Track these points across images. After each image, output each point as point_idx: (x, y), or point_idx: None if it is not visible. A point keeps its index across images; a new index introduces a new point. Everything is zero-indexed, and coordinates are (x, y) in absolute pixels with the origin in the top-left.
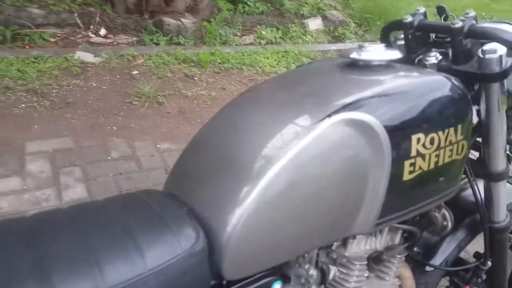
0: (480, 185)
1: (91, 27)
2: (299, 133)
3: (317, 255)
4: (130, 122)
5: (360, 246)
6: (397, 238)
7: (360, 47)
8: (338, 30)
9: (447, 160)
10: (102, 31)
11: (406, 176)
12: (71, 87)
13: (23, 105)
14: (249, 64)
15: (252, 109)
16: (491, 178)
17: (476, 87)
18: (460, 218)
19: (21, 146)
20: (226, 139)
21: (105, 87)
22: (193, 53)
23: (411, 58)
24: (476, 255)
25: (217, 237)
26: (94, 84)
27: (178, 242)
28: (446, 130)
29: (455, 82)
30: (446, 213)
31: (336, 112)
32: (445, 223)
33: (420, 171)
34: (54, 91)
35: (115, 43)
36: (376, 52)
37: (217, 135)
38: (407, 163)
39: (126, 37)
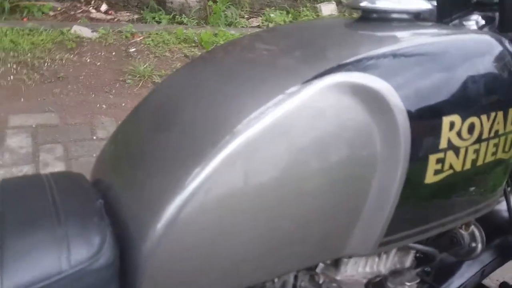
0: None
1: (92, 2)
2: (269, 102)
3: (295, 277)
4: (121, 101)
5: (358, 268)
6: (408, 260)
7: None
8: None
9: (489, 158)
10: (103, 7)
11: (430, 178)
12: (63, 61)
13: (11, 77)
14: None
15: (212, 71)
16: None
17: None
18: (489, 237)
19: (3, 119)
20: (166, 113)
21: (99, 63)
22: (195, 33)
23: (444, 24)
24: (504, 285)
25: (134, 248)
26: (88, 60)
27: (67, 253)
28: (493, 114)
29: (509, 46)
30: (476, 232)
31: (331, 71)
32: (473, 244)
33: (451, 171)
34: (45, 64)
35: (116, 19)
36: (395, 1)
37: (158, 108)
38: (433, 158)
39: (128, 14)
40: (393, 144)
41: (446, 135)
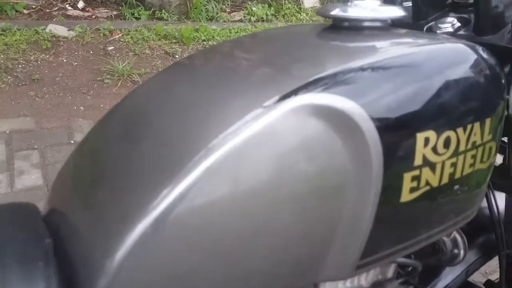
0: (500, 199)
1: None
2: (234, 125)
3: None
4: (100, 102)
5: (337, 285)
6: (390, 272)
7: (346, 2)
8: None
9: (467, 171)
10: (80, 4)
11: (406, 196)
12: (39, 62)
13: None
14: None
15: (189, 79)
16: None
17: (506, 68)
18: (471, 236)
19: None
20: (136, 126)
21: (76, 63)
22: (176, 29)
23: (419, 26)
24: (488, 283)
25: None
26: (65, 60)
27: None
28: (469, 126)
29: (484, 54)
30: (459, 238)
31: (296, 92)
32: (456, 251)
33: (427, 187)
34: (20, 66)
35: (93, 16)
36: (367, 8)
37: (127, 119)
38: (407, 176)
39: (106, 10)
40: (364, 165)
41: (421, 151)
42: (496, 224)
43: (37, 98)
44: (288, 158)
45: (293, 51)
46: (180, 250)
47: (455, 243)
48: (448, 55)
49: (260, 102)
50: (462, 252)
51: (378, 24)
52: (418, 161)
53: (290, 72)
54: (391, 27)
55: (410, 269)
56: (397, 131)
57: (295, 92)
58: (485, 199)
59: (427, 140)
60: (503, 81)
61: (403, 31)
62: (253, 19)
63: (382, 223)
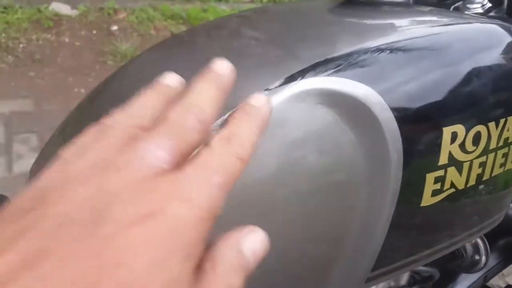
0: None
1: None
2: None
3: None
4: None
5: None
6: (404, 279)
7: None
8: None
9: (497, 171)
10: None
11: (427, 200)
12: (40, 42)
13: None
14: None
15: (187, 54)
16: None
17: None
18: (492, 238)
19: None
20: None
21: (78, 44)
22: (183, 8)
23: (445, 5)
24: None
25: None
26: (67, 40)
27: None
28: (502, 121)
29: None
30: (480, 244)
31: (303, 74)
32: (477, 257)
33: (452, 190)
34: (20, 46)
35: None
36: None
37: (116, 98)
38: (430, 177)
39: None
40: (381, 163)
41: (447, 149)
42: None
43: (37, 79)
44: (291, 150)
45: (301, 29)
46: None
47: (476, 248)
48: (479, 36)
49: (262, 84)
50: (483, 258)
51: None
52: (443, 159)
53: (296, 52)
54: (414, 4)
55: (426, 275)
56: (420, 124)
57: (301, 74)
58: None
59: (454, 136)
60: None
61: (427, 8)
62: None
63: (399, 230)
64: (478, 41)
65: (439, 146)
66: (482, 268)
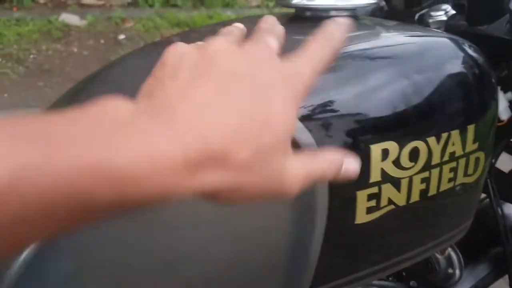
0: (508, 209)
1: None
2: None
3: None
4: None
5: None
6: None
7: None
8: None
9: (446, 186)
10: None
11: (362, 217)
12: (50, 52)
13: None
14: None
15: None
16: None
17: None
18: (479, 248)
19: None
20: None
21: (86, 53)
22: (188, 16)
23: (411, 13)
24: None
25: None
26: (76, 50)
27: None
28: (444, 136)
29: (470, 51)
30: (453, 256)
31: None
32: (450, 270)
33: (391, 207)
34: (31, 56)
35: (108, 5)
36: None
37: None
38: (362, 194)
39: None
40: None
41: (378, 166)
42: (503, 237)
43: (46, 89)
44: None
45: None
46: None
47: (449, 262)
48: (420, 49)
49: None
50: (457, 271)
51: (344, 14)
52: (375, 177)
53: None
54: (365, 17)
55: None
56: (343, 142)
57: None
58: (492, 210)
59: (386, 152)
60: (492, 81)
61: (372, 21)
62: (271, 5)
63: (334, 247)
64: (419, 53)
65: (367, 163)
66: (457, 281)
